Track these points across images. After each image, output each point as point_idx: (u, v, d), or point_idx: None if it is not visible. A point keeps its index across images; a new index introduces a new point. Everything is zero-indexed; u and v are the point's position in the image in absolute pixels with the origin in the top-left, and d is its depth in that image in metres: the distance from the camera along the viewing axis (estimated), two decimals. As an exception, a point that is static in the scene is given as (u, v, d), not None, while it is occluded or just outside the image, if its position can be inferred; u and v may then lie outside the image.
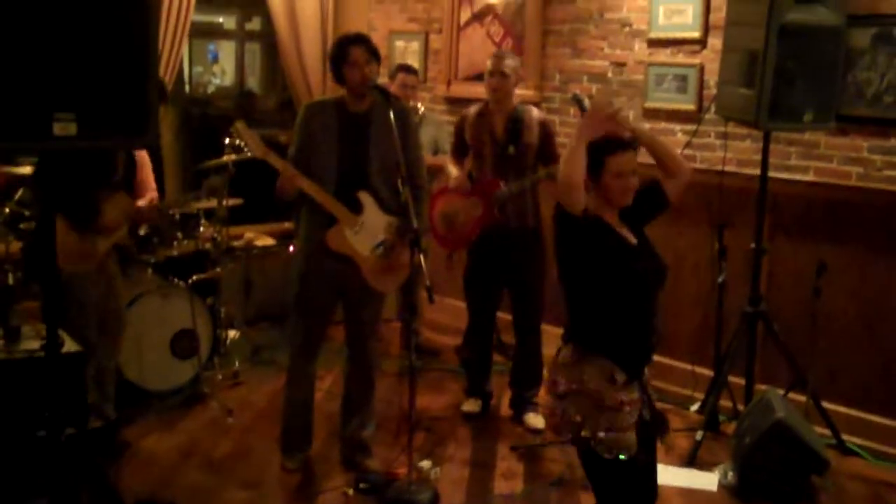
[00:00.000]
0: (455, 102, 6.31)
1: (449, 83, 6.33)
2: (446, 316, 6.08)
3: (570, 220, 2.94)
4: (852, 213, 4.60)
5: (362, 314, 4.13)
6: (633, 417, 2.97)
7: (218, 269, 5.32)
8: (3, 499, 3.47)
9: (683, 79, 5.14)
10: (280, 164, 3.84)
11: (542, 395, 4.76)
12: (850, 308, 4.61)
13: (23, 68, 2.46)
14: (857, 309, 4.60)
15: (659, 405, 3.19)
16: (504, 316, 5.08)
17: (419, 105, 5.67)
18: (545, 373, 4.32)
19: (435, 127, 5.66)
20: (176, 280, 5.02)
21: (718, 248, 4.64)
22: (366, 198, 3.92)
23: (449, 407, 5.01)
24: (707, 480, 4.20)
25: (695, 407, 4.96)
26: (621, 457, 2.93)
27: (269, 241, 6.30)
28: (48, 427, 3.27)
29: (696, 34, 5.06)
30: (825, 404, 4.51)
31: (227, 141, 5.33)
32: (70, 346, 3.79)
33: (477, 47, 6.15)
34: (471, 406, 4.94)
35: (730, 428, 4.58)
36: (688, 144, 4.99)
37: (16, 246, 4.54)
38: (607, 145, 3.00)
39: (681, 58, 5.15)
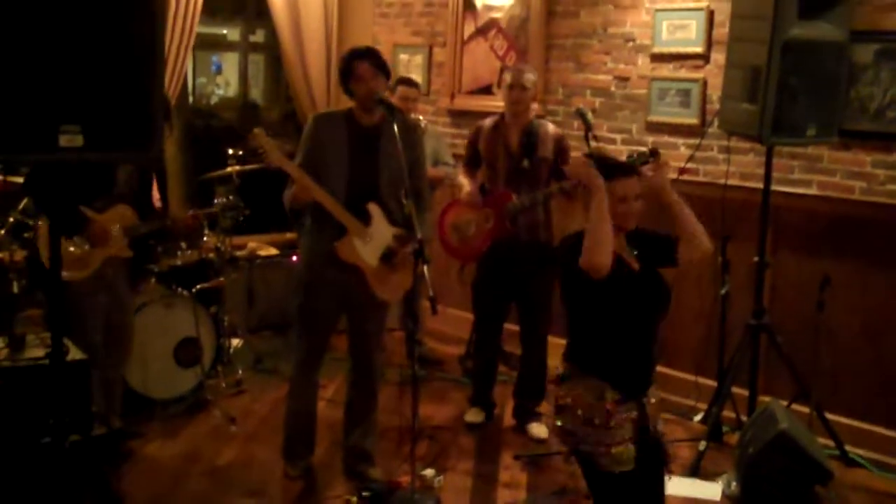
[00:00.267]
0: (459, 115, 6.34)
1: (453, 96, 6.36)
2: (449, 326, 6.10)
3: (575, 249, 2.96)
4: (855, 227, 4.62)
5: (367, 325, 4.13)
6: (626, 433, 2.99)
7: (221, 279, 5.34)
8: (8, 505, 3.48)
9: (686, 93, 5.17)
10: (297, 173, 3.84)
11: (546, 406, 4.76)
12: (854, 321, 4.62)
13: (29, 80, 2.47)
14: (860, 322, 4.61)
15: (664, 416, 3.20)
16: (508, 326, 5.08)
17: (420, 118, 5.70)
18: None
19: (435, 139, 5.70)
20: (179, 289, 5.03)
21: (722, 261, 4.66)
22: (374, 209, 3.94)
23: (452, 416, 5.02)
24: (710, 491, 4.21)
25: (698, 417, 4.97)
26: (616, 470, 2.94)
27: (272, 251, 6.34)
28: (53, 434, 3.28)
29: (699, 49, 5.09)
30: (828, 416, 4.52)
31: (230, 151, 5.37)
32: (74, 353, 3.81)
33: (481, 61, 6.18)
34: (474, 416, 4.94)
35: (733, 438, 4.59)
36: (691, 158, 5.02)
37: (20, 254, 4.55)
38: (611, 169, 3.03)
39: (684, 72, 5.19)
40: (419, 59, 6.59)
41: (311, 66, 6.58)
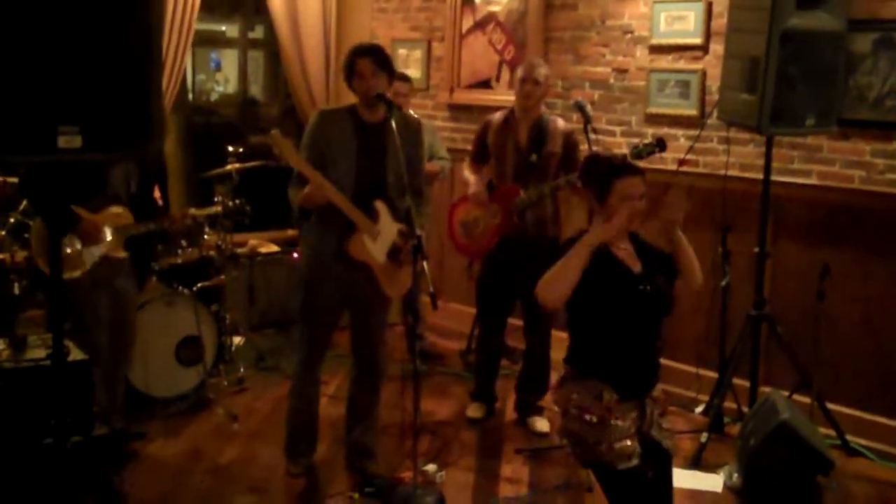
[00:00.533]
0: (458, 110, 6.34)
1: (452, 91, 6.35)
2: (450, 320, 6.10)
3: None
4: (855, 216, 4.61)
5: (371, 321, 4.14)
6: (628, 429, 2.99)
7: (222, 277, 5.35)
8: (10, 506, 3.49)
9: (685, 84, 5.16)
10: (312, 173, 3.81)
11: (548, 400, 4.77)
12: (854, 310, 4.62)
13: (27, 81, 2.46)
14: (860, 311, 4.61)
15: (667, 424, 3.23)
16: (510, 320, 5.08)
17: (412, 113, 5.68)
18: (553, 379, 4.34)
19: (430, 133, 5.67)
20: (180, 287, 5.03)
21: (722, 252, 4.66)
22: (381, 206, 3.94)
23: (453, 411, 5.02)
24: (712, 482, 4.21)
25: (699, 409, 4.97)
26: (621, 466, 2.95)
27: (273, 248, 6.35)
28: (54, 435, 3.29)
29: (697, 40, 5.08)
30: (829, 405, 4.52)
31: (230, 149, 5.37)
32: (76, 354, 3.82)
33: (479, 55, 6.17)
34: (475, 411, 4.94)
35: (734, 430, 4.59)
36: (690, 149, 5.01)
37: (21, 255, 4.56)
38: (616, 169, 3.03)
39: (682, 64, 5.17)
40: (418, 53, 6.58)
41: (310, 62, 6.57)
